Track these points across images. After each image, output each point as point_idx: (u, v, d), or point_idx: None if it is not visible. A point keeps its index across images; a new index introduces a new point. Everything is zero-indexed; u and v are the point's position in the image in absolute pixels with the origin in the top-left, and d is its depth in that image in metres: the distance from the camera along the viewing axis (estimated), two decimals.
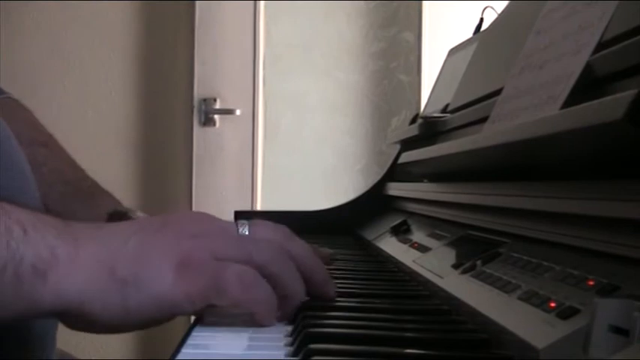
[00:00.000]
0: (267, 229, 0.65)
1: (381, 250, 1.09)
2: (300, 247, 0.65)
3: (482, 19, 1.53)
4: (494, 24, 1.19)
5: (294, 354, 0.52)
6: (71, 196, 0.95)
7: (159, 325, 0.58)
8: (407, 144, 1.37)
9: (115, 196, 1.00)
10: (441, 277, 0.73)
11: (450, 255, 0.81)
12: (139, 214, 0.96)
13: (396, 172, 1.41)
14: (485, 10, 1.52)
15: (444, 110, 1.24)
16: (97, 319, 0.56)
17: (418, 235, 1.02)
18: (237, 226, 0.63)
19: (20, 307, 0.55)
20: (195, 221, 0.62)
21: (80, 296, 0.55)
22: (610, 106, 0.46)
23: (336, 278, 0.84)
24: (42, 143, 0.99)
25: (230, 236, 0.62)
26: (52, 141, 1.01)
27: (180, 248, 0.58)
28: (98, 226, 0.62)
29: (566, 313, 0.46)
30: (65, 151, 1.02)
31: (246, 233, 0.63)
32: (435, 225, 1.00)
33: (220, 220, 0.64)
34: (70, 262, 0.55)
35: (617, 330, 0.39)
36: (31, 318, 0.60)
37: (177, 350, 0.54)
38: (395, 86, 2.58)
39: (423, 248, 0.92)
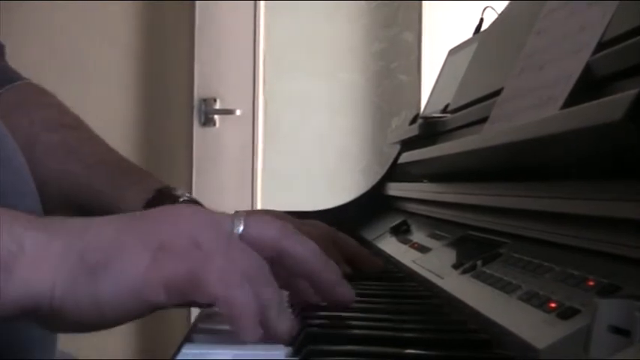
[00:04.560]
0: (264, 225, 0.58)
1: (381, 251, 1.09)
2: (299, 245, 0.58)
3: (482, 20, 1.53)
4: (495, 24, 1.19)
5: (295, 354, 0.52)
6: (117, 176, 0.93)
7: (136, 319, 0.53)
8: (407, 144, 1.37)
9: (156, 176, 0.98)
10: (441, 278, 0.73)
11: (450, 255, 0.81)
12: (187, 193, 0.93)
13: (396, 172, 1.41)
14: (486, 11, 1.51)
15: (444, 110, 1.24)
16: (69, 313, 0.51)
17: (418, 236, 1.02)
18: (232, 220, 0.56)
19: None
20: (185, 209, 0.57)
21: (50, 290, 0.50)
22: (610, 107, 0.46)
23: None
24: (72, 126, 0.97)
25: (217, 229, 0.55)
26: (81, 124, 1.00)
27: (160, 233, 0.53)
28: (74, 218, 0.56)
29: (566, 314, 0.46)
30: (96, 134, 1.00)
31: (240, 229, 0.56)
32: (435, 225, 1.00)
33: (212, 212, 0.58)
34: (40, 254, 0.51)
35: (618, 330, 0.39)
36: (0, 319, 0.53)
37: (178, 350, 0.54)
38: (395, 86, 2.58)
39: (423, 248, 0.92)
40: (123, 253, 0.51)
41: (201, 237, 0.53)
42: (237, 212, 0.59)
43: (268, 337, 0.53)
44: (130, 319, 0.53)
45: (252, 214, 0.58)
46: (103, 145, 0.98)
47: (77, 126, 0.98)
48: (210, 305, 0.54)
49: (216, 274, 0.51)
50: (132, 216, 0.56)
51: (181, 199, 0.92)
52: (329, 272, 0.59)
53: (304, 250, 0.58)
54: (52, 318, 0.52)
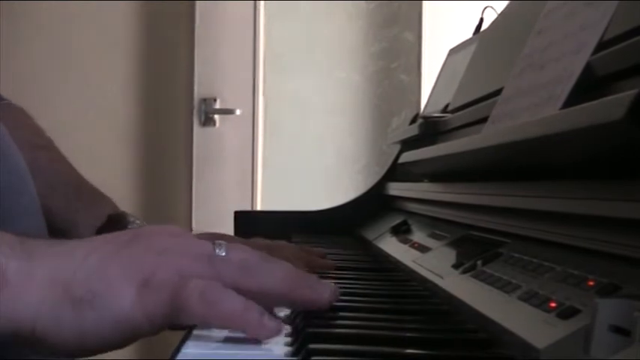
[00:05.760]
0: (245, 250, 0.60)
1: (381, 250, 1.09)
2: (280, 268, 0.59)
3: (482, 19, 1.53)
4: (495, 24, 1.19)
5: (294, 354, 0.52)
6: (73, 199, 0.96)
7: (120, 348, 0.54)
8: (407, 144, 1.37)
9: (112, 200, 1.01)
10: (442, 277, 0.73)
11: (450, 255, 0.81)
12: (137, 220, 0.97)
13: (396, 172, 1.41)
14: (486, 10, 1.52)
15: (444, 110, 1.24)
16: (51, 342, 0.52)
17: (418, 235, 1.02)
18: (213, 245, 0.58)
19: None
20: (165, 237, 0.58)
21: (32, 318, 0.51)
22: (610, 106, 0.46)
23: (336, 278, 0.84)
24: (43, 147, 1.00)
25: (199, 254, 0.57)
26: (52, 145, 1.03)
27: (143, 266, 0.54)
28: (59, 242, 0.57)
29: (566, 313, 0.46)
30: (63, 155, 1.03)
31: (223, 254, 0.58)
32: (435, 225, 1.00)
33: (195, 237, 0.60)
34: (22, 281, 0.51)
35: (618, 330, 0.39)
36: None
37: (178, 350, 0.54)
38: (395, 86, 2.58)
39: (423, 248, 0.92)
40: (108, 289, 0.53)
41: (184, 265, 0.55)
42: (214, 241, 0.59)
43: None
44: (114, 348, 0.54)
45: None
46: (69, 166, 1.02)
47: (49, 147, 1.01)
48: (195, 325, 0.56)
49: (196, 295, 0.53)
50: (117, 243, 0.56)
51: (129, 227, 0.94)
52: (311, 286, 0.60)
53: (285, 270, 0.59)
54: (33, 344, 0.52)
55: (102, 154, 2.56)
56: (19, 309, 0.51)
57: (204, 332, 0.58)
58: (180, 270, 0.54)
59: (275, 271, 0.58)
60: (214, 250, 0.57)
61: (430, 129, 1.19)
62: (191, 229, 2.39)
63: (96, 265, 0.53)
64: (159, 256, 0.55)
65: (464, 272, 0.69)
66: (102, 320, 0.52)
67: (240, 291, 0.55)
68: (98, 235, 0.59)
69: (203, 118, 2.58)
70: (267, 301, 0.57)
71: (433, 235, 0.95)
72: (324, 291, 0.60)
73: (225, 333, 0.58)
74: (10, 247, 0.53)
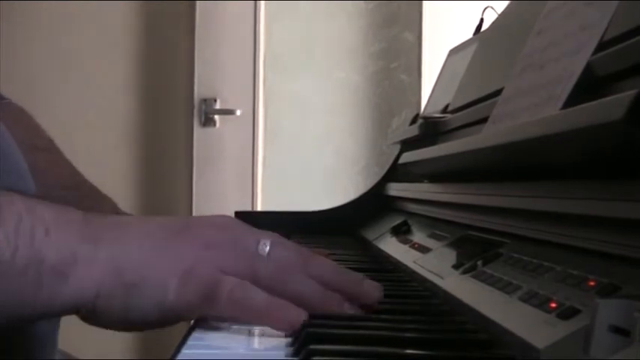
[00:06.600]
0: (288, 250, 0.64)
1: (382, 251, 1.09)
2: (322, 265, 0.64)
3: (482, 20, 1.53)
4: (495, 24, 1.19)
5: (295, 354, 0.52)
6: (73, 201, 0.96)
7: (163, 327, 0.61)
8: (407, 144, 1.37)
9: (113, 200, 1.01)
10: (442, 278, 0.73)
11: (450, 255, 0.81)
12: None
13: (396, 172, 1.41)
14: (486, 11, 1.52)
15: (445, 110, 1.24)
16: (104, 319, 0.59)
17: (418, 236, 1.02)
18: (258, 242, 0.62)
19: (39, 307, 0.57)
20: (213, 230, 0.63)
21: (93, 296, 0.58)
22: (610, 106, 0.46)
23: None
24: (43, 149, 0.99)
25: (242, 251, 0.61)
26: (52, 146, 1.03)
27: (188, 258, 0.59)
28: (119, 223, 0.62)
29: (566, 314, 0.46)
30: (64, 155, 1.03)
31: (266, 250, 0.62)
32: (435, 225, 1.00)
33: (245, 229, 0.64)
34: (89, 264, 0.58)
35: (618, 330, 0.39)
36: (48, 317, 0.63)
37: (178, 350, 0.54)
38: (395, 86, 2.58)
39: (423, 249, 0.92)
40: (154, 277, 0.59)
41: (223, 262, 0.60)
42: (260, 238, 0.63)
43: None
44: (155, 327, 0.60)
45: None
46: (68, 168, 1.02)
47: (49, 149, 1.01)
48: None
49: (225, 293, 0.58)
50: (169, 232, 0.62)
51: None
52: (354, 283, 0.65)
53: (328, 269, 0.64)
54: (92, 319, 0.60)
55: (102, 154, 2.56)
56: (85, 288, 0.57)
57: (205, 332, 0.59)
58: (219, 266, 0.59)
59: (310, 282, 0.62)
60: (257, 247, 0.61)
61: (430, 129, 1.19)
62: None
63: (146, 254, 0.59)
64: (203, 251, 0.60)
65: (464, 272, 0.69)
66: (145, 304, 0.58)
67: (273, 291, 0.59)
68: (153, 218, 0.65)
69: (203, 119, 2.58)
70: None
71: (433, 236, 0.95)
72: (373, 289, 0.65)
73: (225, 332, 0.58)
74: (79, 228, 0.59)
